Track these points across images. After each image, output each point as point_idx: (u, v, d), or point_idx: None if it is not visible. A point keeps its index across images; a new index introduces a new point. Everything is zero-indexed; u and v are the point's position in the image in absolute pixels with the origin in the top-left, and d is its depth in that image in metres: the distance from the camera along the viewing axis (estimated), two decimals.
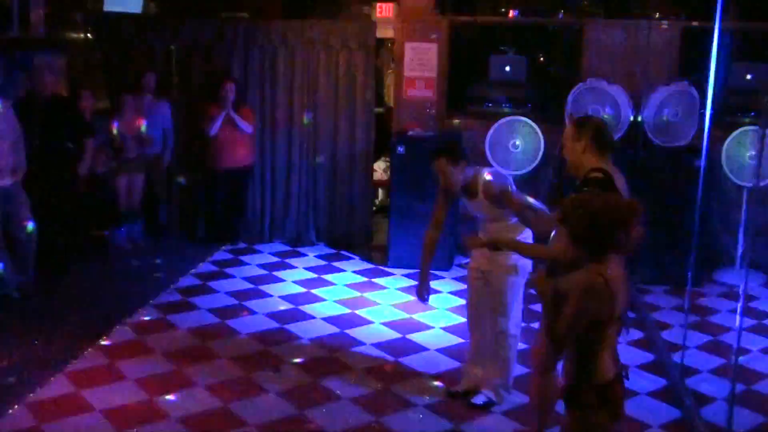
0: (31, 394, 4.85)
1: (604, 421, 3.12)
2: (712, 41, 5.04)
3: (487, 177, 4.75)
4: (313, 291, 7.10)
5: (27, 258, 6.58)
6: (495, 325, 4.82)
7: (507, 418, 4.81)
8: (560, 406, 3.44)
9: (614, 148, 4.21)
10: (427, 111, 8.15)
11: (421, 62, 8.15)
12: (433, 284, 7.29)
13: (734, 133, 7.33)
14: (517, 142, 7.48)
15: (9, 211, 6.40)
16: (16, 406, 4.70)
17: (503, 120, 7.60)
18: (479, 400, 4.90)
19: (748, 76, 7.81)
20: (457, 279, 7.51)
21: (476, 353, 5.04)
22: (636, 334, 6.21)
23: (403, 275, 7.57)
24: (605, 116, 7.12)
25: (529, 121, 7.54)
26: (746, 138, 7.26)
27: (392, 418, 4.75)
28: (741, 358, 4.88)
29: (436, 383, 5.27)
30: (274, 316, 6.44)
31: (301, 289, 7.14)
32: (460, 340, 6.01)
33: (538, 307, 5.09)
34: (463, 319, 6.41)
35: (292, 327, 6.20)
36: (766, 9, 7.99)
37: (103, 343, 5.73)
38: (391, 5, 10.25)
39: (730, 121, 7.69)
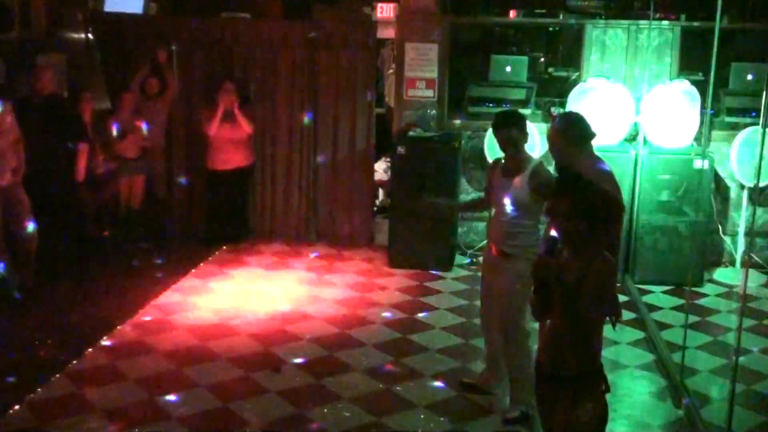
0: (32, 394, 4.86)
1: (601, 401, 3.19)
2: (712, 41, 5.04)
3: (539, 160, 4.75)
4: (314, 291, 7.11)
5: (27, 258, 6.59)
6: (504, 333, 4.76)
7: (502, 417, 4.80)
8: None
9: (592, 138, 4.34)
10: (427, 111, 8.14)
11: (421, 62, 8.15)
12: (433, 284, 7.34)
13: (743, 133, 7.31)
14: None
15: (9, 211, 6.41)
16: (16, 406, 4.70)
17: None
18: (512, 413, 4.76)
19: (749, 77, 7.81)
20: (458, 279, 7.52)
21: (490, 358, 5.06)
22: (636, 334, 6.21)
23: (403, 275, 7.56)
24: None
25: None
26: (755, 138, 7.24)
27: (392, 418, 4.75)
28: (741, 358, 4.88)
29: (437, 383, 5.27)
30: (274, 316, 6.45)
31: (302, 289, 7.14)
32: (461, 340, 6.02)
33: None
34: (463, 320, 6.45)
35: (293, 327, 6.20)
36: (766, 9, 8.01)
37: (103, 343, 5.73)
38: (392, 5, 10.26)
39: (731, 122, 7.71)
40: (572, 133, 4.35)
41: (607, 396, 3.20)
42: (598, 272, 3.04)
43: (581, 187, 3.11)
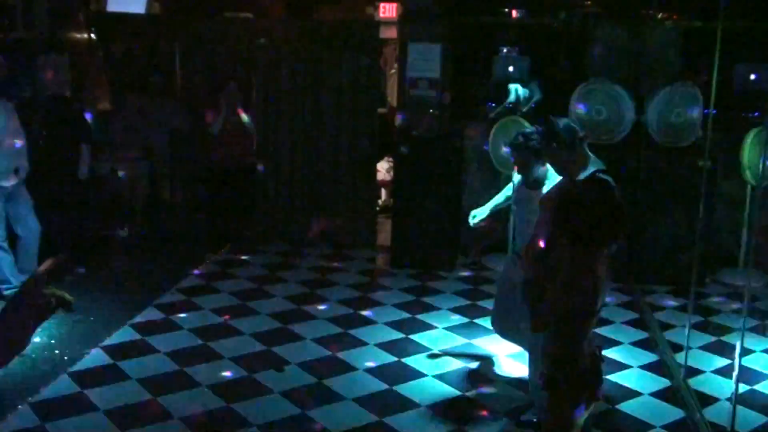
0: (35, 394, 4.86)
1: (581, 401, 3.22)
2: (715, 41, 5.03)
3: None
4: (316, 291, 7.11)
5: (30, 257, 6.59)
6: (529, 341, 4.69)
7: (508, 418, 4.80)
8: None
9: (583, 139, 4.32)
10: (430, 111, 8.15)
11: (424, 62, 8.14)
12: (436, 284, 7.34)
13: (751, 133, 7.28)
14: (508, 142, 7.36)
15: (12, 211, 6.42)
16: (19, 406, 4.71)
17: (501, 120, 7.58)
18: (527, 416, 4.73)
19: (753, 77, 7.79)
20: (460, 279, 7.51)
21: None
22: (639, 335, 6.21)
23: (406, 275, 7.56)
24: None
25: (521, 120, 7.50)
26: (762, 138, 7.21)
27: (393, 418, 4.75)
28: (744, 359, 4.87)
29: (438, 383, 5.26)
30: (276, 316, 6.44)
31: (304, 289, 7.14)
32: (463, 341, 6.01)
33: None
34: (466, 320, 6.45)
35: (295, 327, 6.20)
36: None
37: (105, 342, 5.74)
38: (394, 6, 10.26)
39: (735, 122, 7.70)
40: (561, 139, 4.32)
41: (602, 400, 3.22)
42: (580, 285, 3.05)
43: (591, 193, 3.10)
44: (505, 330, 5.13)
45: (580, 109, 7.27)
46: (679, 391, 5.16)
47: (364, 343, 5.92)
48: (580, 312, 3.10)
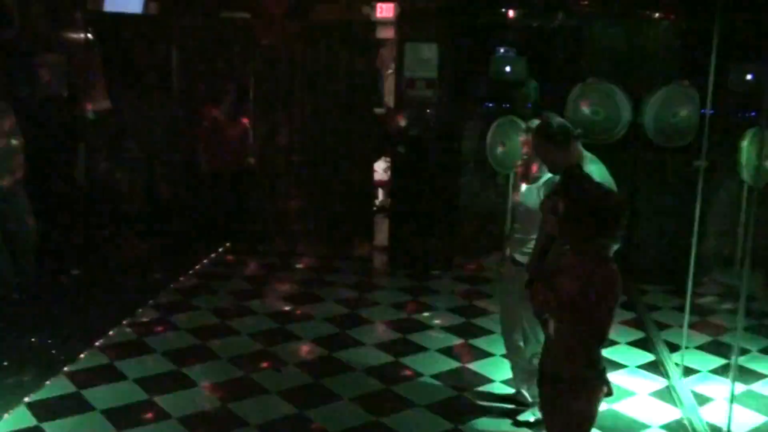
0: (32, 394, 4.85)
1: (598, 402, 3.21)
2: (712, 41, 5.04)
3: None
4: (314, 291, 7.11)
5: (26, 258, 6.58)
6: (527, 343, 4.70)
7: (507, 418, 4.80)
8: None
9: (577, 137, 4.31)
10: (427, 111, 8.14)
11: (420, 62, 8.13)
12: (433, 284, 7.34)
13: (748, 133, 7.26)
14: (506, 142, 7.34)
15: (8, 211, 6.41)
16: (16, 406, 4.70)
17: (499, 120, 7.57)
18: (528, 416, 4.73)
19: (748, 77, 7.79)
20: (457, 279, 7.51)
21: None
22: (636, 334, 6.21)
23: (403, 275, 7.56)
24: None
25: (518, 120, 7.48)
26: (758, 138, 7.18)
27: (392, 418, 4.75)
28: (740, 359, 4.88)
29: (436, 383, 5.27)
30: (274, 316, 6.45)
31: (302, 289, 7.14)
32: (460, 340, 6.02)
33: None
34: (463, 320, 6.46)
35: (293, 327, 6.21)
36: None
37: (103, 343, 5.73)
38: (391, 5, 10.24)
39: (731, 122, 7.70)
40: (555, 139, 4.32)
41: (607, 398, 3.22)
42: (603, 278, 3.03)
43: (586, 187, 3.11)
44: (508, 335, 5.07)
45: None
46: (676, 390, 5.17)
47: (362, 343, 5.92)
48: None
